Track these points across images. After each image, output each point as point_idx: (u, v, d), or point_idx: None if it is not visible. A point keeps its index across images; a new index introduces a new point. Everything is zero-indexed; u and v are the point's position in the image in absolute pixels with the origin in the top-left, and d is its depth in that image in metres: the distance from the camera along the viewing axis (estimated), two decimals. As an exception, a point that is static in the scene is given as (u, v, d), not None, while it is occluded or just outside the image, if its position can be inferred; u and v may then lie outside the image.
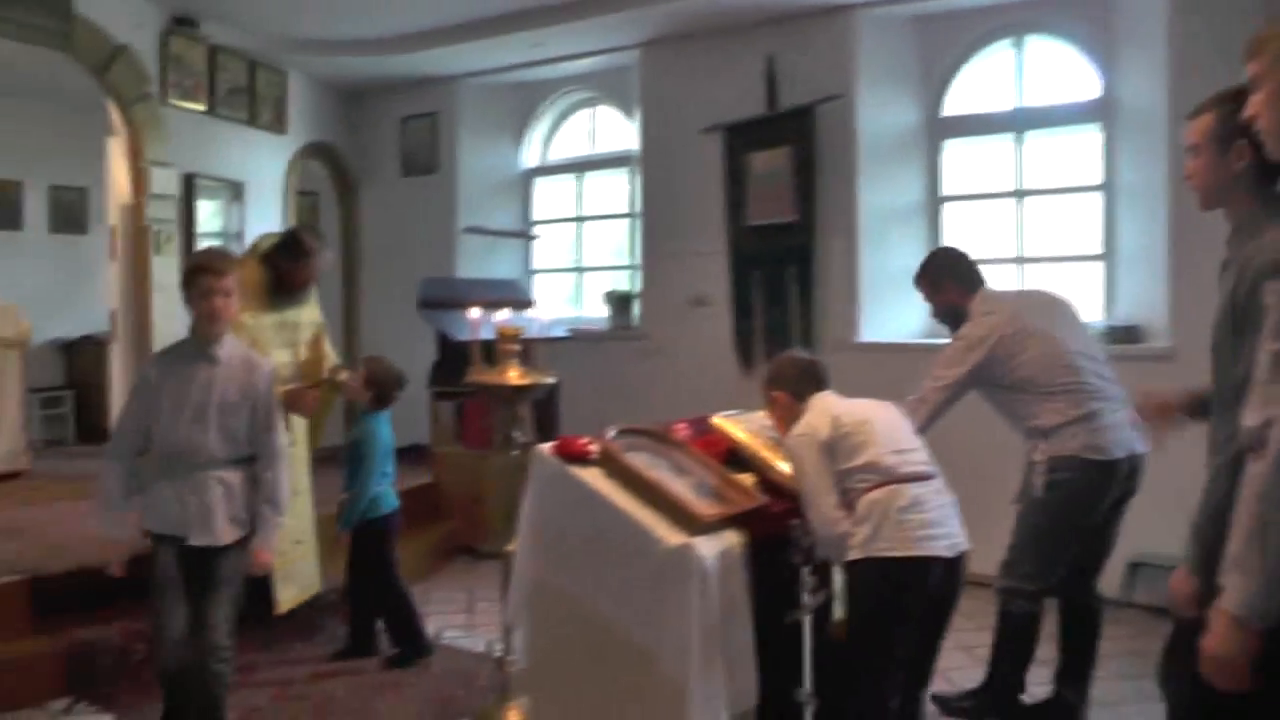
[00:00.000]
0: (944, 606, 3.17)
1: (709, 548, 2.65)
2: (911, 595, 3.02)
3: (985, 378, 3.95)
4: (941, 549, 3.01)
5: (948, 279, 4.24)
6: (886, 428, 3.20)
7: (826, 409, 3.19)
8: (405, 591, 4.91)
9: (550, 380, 3.78)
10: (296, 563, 4.98)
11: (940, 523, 3.05)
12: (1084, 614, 4.12)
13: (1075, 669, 4.10)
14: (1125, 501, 4.01)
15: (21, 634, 4.53)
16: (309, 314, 5.09)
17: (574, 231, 8.73)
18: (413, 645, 4.84)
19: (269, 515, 3.61)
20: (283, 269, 4.83)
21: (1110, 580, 5.62)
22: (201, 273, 3.48)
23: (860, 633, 3.08)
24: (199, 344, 3.55)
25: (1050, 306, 4.22)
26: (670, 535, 2.68)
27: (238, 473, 3.56)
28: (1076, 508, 3.81)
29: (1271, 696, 1.90)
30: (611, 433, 3.04)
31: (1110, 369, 4.04)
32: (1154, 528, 5.51)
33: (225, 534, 3.50)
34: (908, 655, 3.12)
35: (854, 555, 3.01)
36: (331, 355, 5.17)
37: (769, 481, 3.26)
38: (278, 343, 4.83)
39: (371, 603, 4.91)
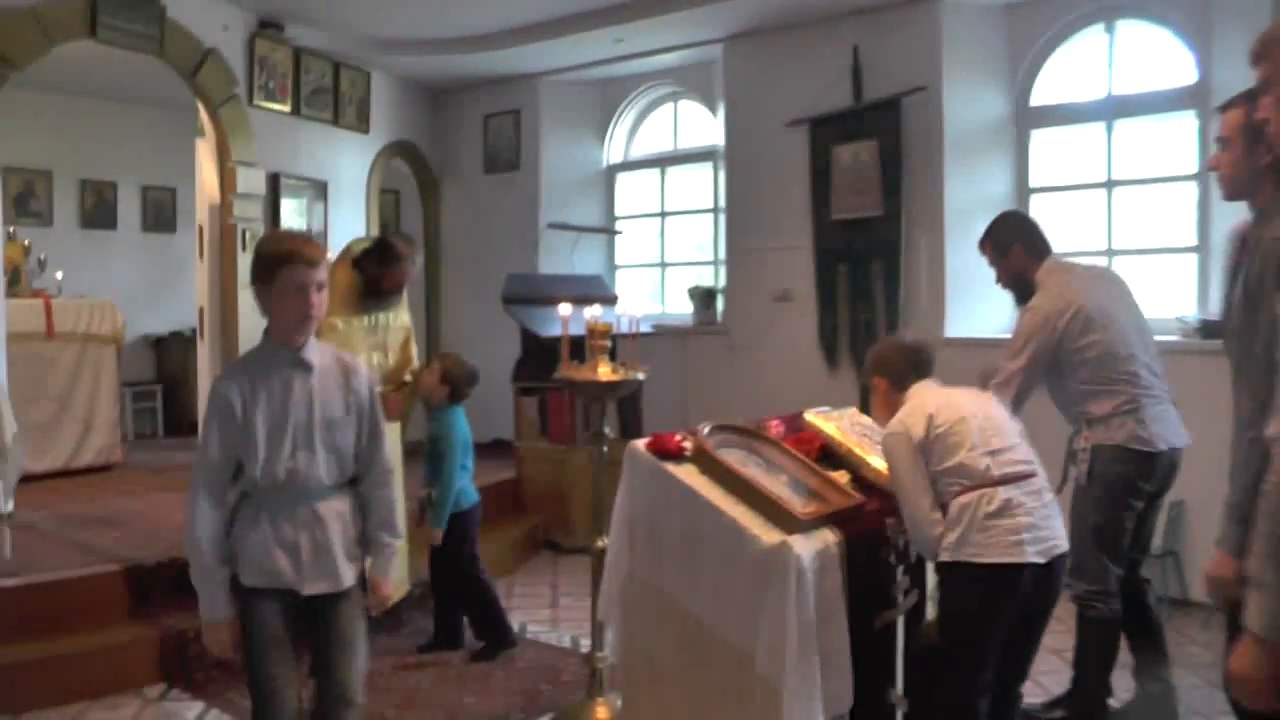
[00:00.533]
0: (1038, 610, 3.08)
1: (806, 546, 2.61)
2: (1001, 600, 2.96)
3: (1053, 355, 3.81)
4: (1032, 554, 2.92)
5: (1016, 242, 4.09)
6: (982, 426, 3.10)
7: (923, 405, 3.11)
8: (489, 584, 4.94)
9: (640, 376, 3.75)
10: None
11: (1035, 526, 2.95)
12: (1140, 606, 3.99)
13: (1150, 662, 3.98)
14: (1161, 495, 3.91)
15: (119, 621, 4.67)
16: (398, 318, 5.14)
17: (657, 227, 8.70)
18: (497, 638, 4.86)
19: (386, 541, 2.95)
20: (373, 273, 4.84)
21: (1203, 584, 5.48)
22: (292, 262, 2.68)
23: (949, 633, 3.03)
24: (286, 350, 2.77)
25: (1116, 288, 4.07)
26: (766, 534, 2.64)
27: (347, 499, 2.87)
28: (1120, 499, 3.71)
29: None
30: (705, 429, 3.01)
31: (1159, 361, 3.92)
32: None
33: (346, 576, 2.85)
34: (997, 658, 3.04)
35: (945, 558, 2.95)
36: (415, 359, 5.22)
37: (862, 479, 3.20)
38: (365, 346, 4.88)
39: (456, 596, 4.93)
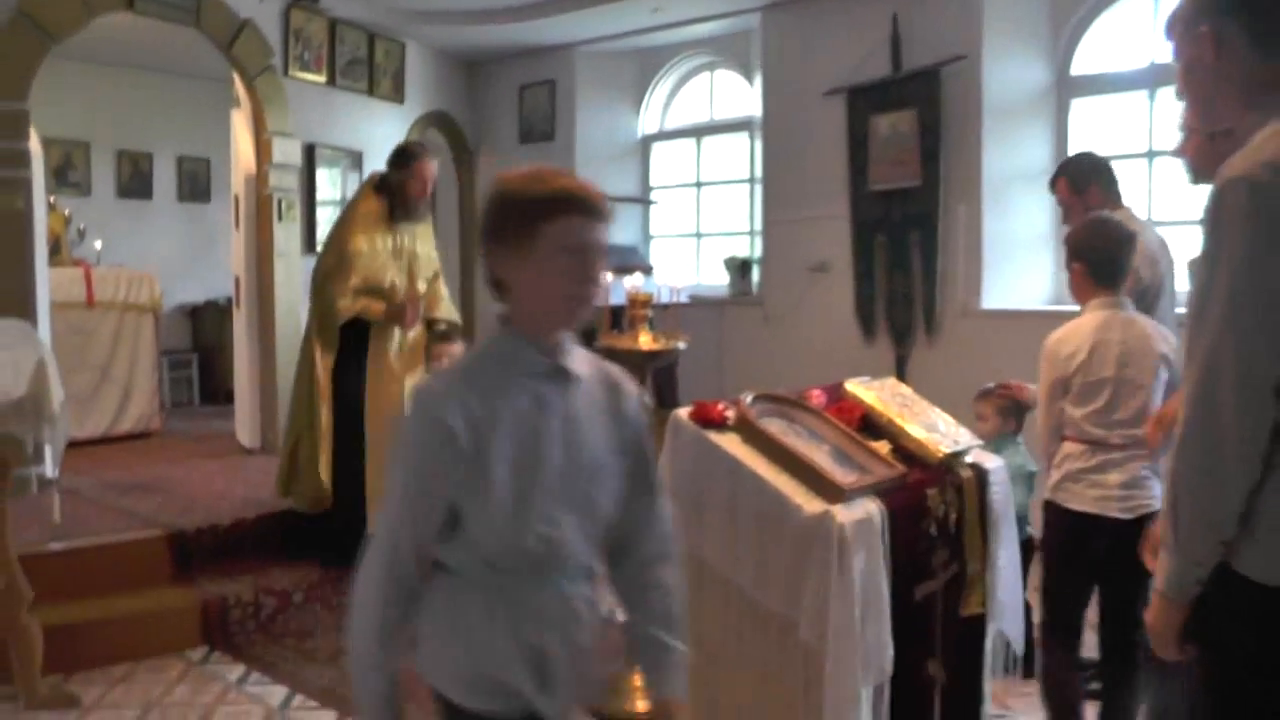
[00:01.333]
0: (1131, 567, 2.99)
1: (848, 516, 2.60)
2: (1085, 549, 3.26)
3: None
4: (1115, 510, 3.18)
5: (1093, 183, 4.02)
6: (1118, 393, 3.24)
7: (1084, 338, 3.28)
8: None
9: (681, 345, 3.75)
10: None
11: (1129, 484, 3.20)
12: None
13: None
14: None
15: (162, 585, 4.76)
16: (425, 246, 5.26)
17: (693, 197, 8.67)
18: None
19: (671, 645, 2.07)
20: (395, 181, 5.02)
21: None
22: (568, 213, 1.78)
23: (1044, 574, 3.41)
24: (538, 353, 1.85)
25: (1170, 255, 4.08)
26: (809, 503, 2.63)
27: (607, 581, 2.06)
28: None
29: (1205, 664, 1.94)
30: (747, 398, 3.00)
31: None
32: None
33: (603, 691, 2.13)
34: (1080, 604, 3.37)
35: (1045, 495, 3.34)
36: (447, 298, 5.35)
37: (903, 449, 3.19)
38: (393, 269, 5.03)
39: None
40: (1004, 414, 4.19)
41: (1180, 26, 2.07)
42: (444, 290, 5.31)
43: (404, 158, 5.05)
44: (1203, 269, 1.86)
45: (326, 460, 4.99)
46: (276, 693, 4.11)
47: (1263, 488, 1.79)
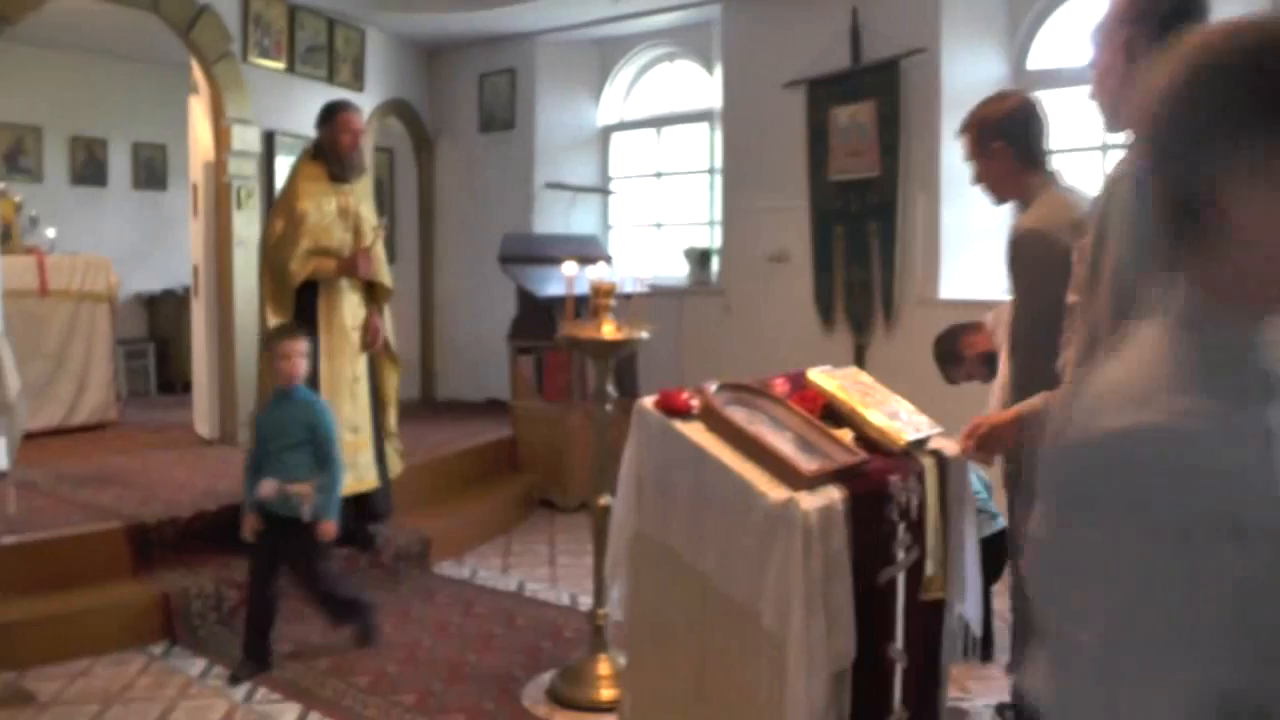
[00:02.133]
0: None
1: (811, 503, 2.63)
2: None
3: None
4: None
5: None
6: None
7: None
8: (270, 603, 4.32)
9: (644, 335, 3.78)
10: (352, 452, 5.09)
11: None
12: None
13: None
14: None
15: (122, 578, 4.70)
16: (367, 207, 5.28)
17: (653, 187, 8.68)
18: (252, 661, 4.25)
19: None
20: (326, 139, 5.12)
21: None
22: None
23: None
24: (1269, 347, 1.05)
25: None
26: (773, 491, 2.66)
27: None
28: None
29: None
30: (712, 387, 3.03)
31: None
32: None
33: None
34: None
35: None
36: (384, 261, 5.37)
37: (865, 437, 3.23)
38: (339, 228, 5.09)
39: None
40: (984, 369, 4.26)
41: (1100, 36, 2.29)
42: (381, 253, 5.34)
43: (328, 113, 5.15)
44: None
45: None
46: (239, 686, 4.10)
47: None
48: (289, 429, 4.20)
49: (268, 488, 4.10)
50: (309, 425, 4.22)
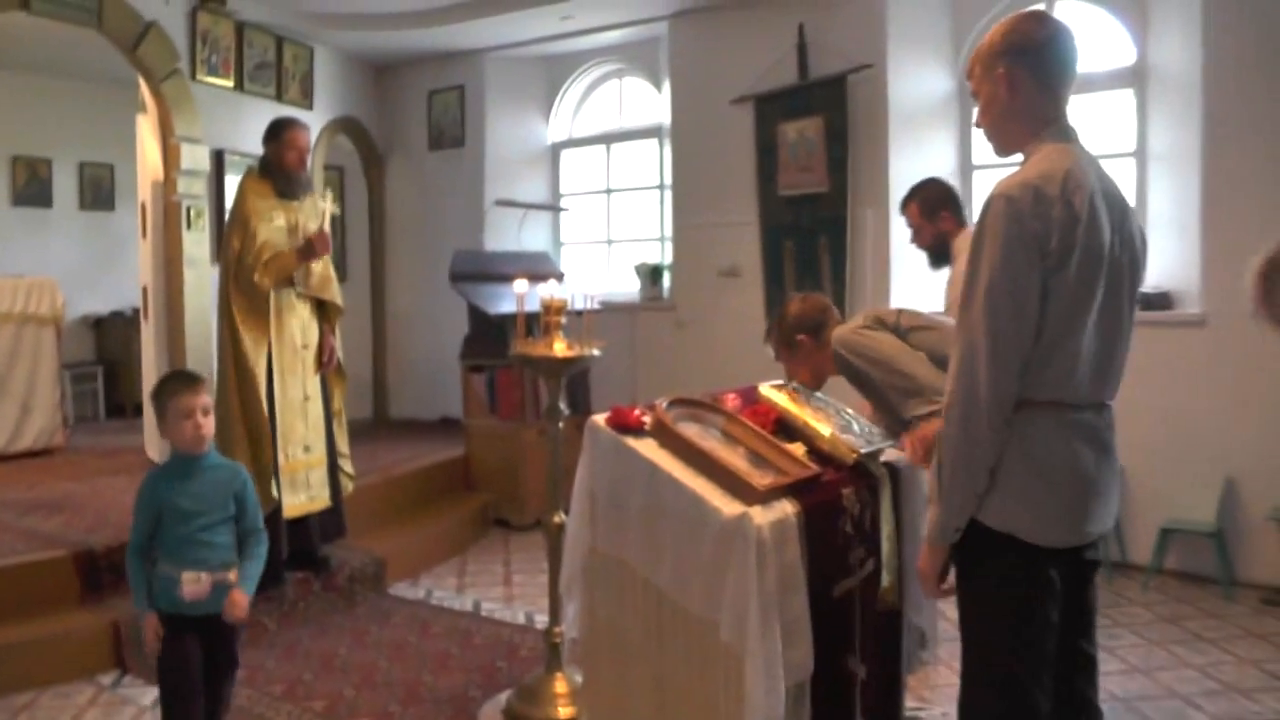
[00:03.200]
0: None
1: (765, 517, 2.64)
2: None
3: None
4: None
5: (945, 208, 4.39)
6: None
7: None
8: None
9: (596, 352, 3.78)
10: (305, 471, 5.06)
11: None
12: None
13: None
14: None
15: (69, 607, 4.61)
16: (313, 222, 5.19)
17: (603, 203, 8.70)
18: None
19: None
20: (272, 155, 5.09)
21: (1143, 547, 5.68)
22: None
23: None
24: None
25: None
26: (727, 505, 2.67)
27: None
28: None
29: (964, 594, 2.39)
30: (663, 403, 3.04)
31: None
32: (1184, 494, 5.57)
33: None
34: None
35: None
36: (334, 279, 5.34)
37: (818, 450, 3.25)
38: (288, 245, 5.04)
39: None
40: None
41: (979, 68, 2.44)
42: (332, 272, 5.31)
43: (276, 129, 5.11)
44: (970, 267, 2.26)
45: (266, 470, 4.90)
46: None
47: (1004, 452, 2.24)
48: (208, 504, 3.26)
49: (196, 586, 3.17)
50: (234, 495, 3.35)
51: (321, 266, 5.19)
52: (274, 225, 4.99)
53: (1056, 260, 2.19)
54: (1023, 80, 2.37)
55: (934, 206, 4.40)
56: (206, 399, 3.32)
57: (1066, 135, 2.38)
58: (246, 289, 4.90)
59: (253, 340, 4.89)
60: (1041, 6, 6.39)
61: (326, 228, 5.15)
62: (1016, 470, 2.25)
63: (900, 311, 3.27)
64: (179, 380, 3.39)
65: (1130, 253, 2.37)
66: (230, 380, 4.90)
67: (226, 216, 7.10)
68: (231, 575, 3.26)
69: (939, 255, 4.42)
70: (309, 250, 5.02)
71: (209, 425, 3.33)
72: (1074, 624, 2.43)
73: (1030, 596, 2.28)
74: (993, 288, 2.20)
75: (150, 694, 4.19)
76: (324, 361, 5.19)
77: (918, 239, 4.50)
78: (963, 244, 4.16)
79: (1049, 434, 2.27)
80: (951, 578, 2.44)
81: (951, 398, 2.26)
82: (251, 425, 4.88)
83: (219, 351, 5.07)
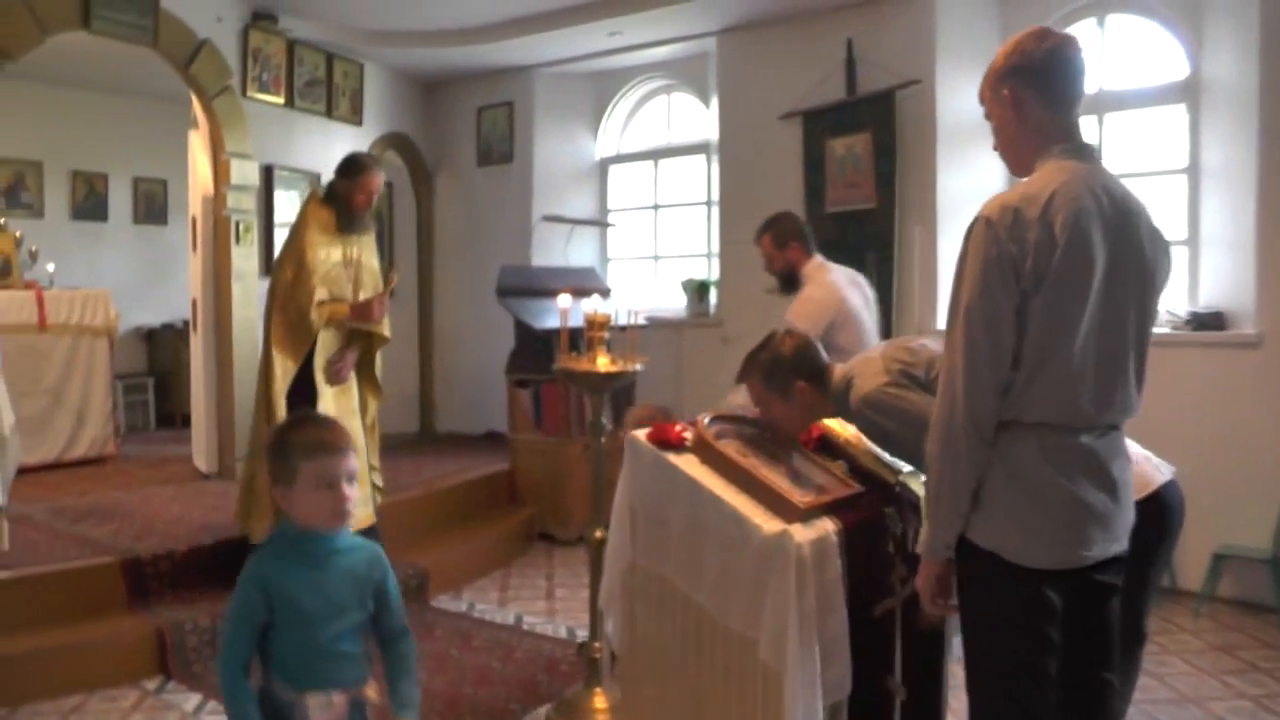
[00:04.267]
0: None
1: (806, 535, 2.63)
2: None
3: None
4: None
5: (794, 240, 4.73)
6: None
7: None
8: None
9: (639, 367, 3.77)
10: None
11: None
12: None
13: None
14: None
15: (116, 613, 4.68)
16: (370, 257, 5.24)
17: (650, 219, 8.71)
18: None
19: None
20: (343, 189, 5.03)
21: (1194, 573, 5.56)
22: None
23: None
24: None
25: (863, 293, 4.73)
26: (767, 523, 2.66)
27: None
28: None
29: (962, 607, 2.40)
30: (705, 419, 3.03)
31: None
32: (1238, 518, 5.45)
33: None
34: None
35: None
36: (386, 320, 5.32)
37: (860, 468, 3.23)
38: (344, 280, 5.05)
39: None
40: None
41: (989, 92, 2.48)
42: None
43: (353, 168, 5.05)
44: (953, 287, 2.32)
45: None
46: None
47: (988, 472, 2.27)
48: (343, 603, 2.41)
49: (328, 713, 2.36)
50: (374, 588, 2.48)
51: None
52: (330, 259, 4.98)
53: (1032, 282, 2.19)
54: (1028, 100, 2.38)
55: (784, 238, 4.75)
56: (353, 461, 2.40)
57: (1078, 153, 2.35)
58: (295, 322, 4.89)
59: (282, 365, 4.91)
60: (1091, 20, 6.33)
61: (387, 298, 5.17)
62: (1001, 490, 2.27)
63: (930, 361, 2.95)
64: (316, 432, 2.41)
65: (1138, 265, 2.33)
66: (263, 403, 4.95)
67: (283, 232, 7.23)
68: (370, 691, 2.45)
69: (789, 281, 4.76)
70: (365, 312, 5.01)
71: (354, 494, 2.41)
72: (1088, 648, 2.40)
73: (1021, 615, 2.28)
74: (970, 310, 2.24)
75: (193, 699, 4.24)
76: (335, 375, 5.10)
77: (770, 267, 4.86)
78: (810, 271, 4.67)
79: (1034, 455, 2.25)
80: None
81: (935, 417, 2.31)
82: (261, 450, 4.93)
83: (259, 368, 5.10)
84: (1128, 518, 2.39)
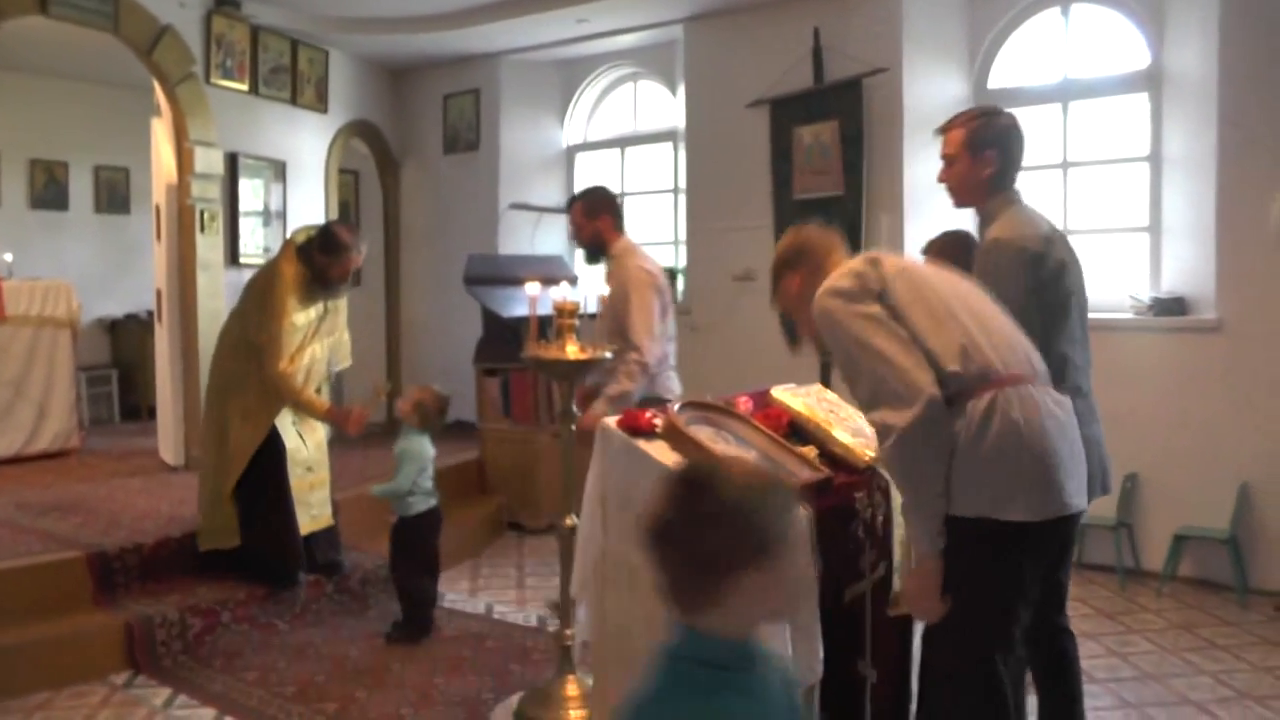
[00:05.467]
0: None
1: (777, 520, 2.64)
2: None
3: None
4: None
5: (605, 212, 4.85)
6: None
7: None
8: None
9: (608, 355, 3.77)
10: (308, 491, 5.06)
11: None
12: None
13: None
14: None
15: (83, 608, 4.63)
16: (340, 309, 5.24)
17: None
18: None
19: None
20: (320, 263, 4.90)
21: (1157, 553, 5.64)
22: None
23: None
24: None
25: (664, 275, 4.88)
26: (738, 508, 2.67)
27: None
28: None
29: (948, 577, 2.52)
30: (676, 406, 3.03)
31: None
32: (1199, 500, 5.54)
33: None
34: None
35: None
36: (348, 344, 5.34)
37: (830, 454, 3.25)
38: (322, 333, 5.05)
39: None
40: None
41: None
42: (347, 338, 5.34)
43: (333, 246, 4.89)
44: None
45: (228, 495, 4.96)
46: (205, 715, 4.04)
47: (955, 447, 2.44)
48: None
49: None
50: None
51: (336, 338, 5.23)
52: (309, 318, 4.96)
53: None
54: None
55: (596, 209, 4.83)
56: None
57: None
58: (284, 387, 4.84)
59: (249, 436, 4.92)
60: (1055, 10, 6.38)
61: (370, 411, 5.17)
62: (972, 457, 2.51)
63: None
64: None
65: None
66: (232, 411, 4.95)
67: (246, 223, 7.17)
68: None
69: (594, 251, 4.89)
70: (343, 421, 4.98)
71: None
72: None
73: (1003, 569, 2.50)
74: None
75: (162, 694, 4.21)
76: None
77: (578, 236, 4.95)
78: (622, 250, 4.77)
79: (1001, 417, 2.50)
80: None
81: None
82: (237, 450, 4.93)
83: (213, 381, 5.14)
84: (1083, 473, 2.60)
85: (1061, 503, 2.47)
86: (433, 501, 4.84)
